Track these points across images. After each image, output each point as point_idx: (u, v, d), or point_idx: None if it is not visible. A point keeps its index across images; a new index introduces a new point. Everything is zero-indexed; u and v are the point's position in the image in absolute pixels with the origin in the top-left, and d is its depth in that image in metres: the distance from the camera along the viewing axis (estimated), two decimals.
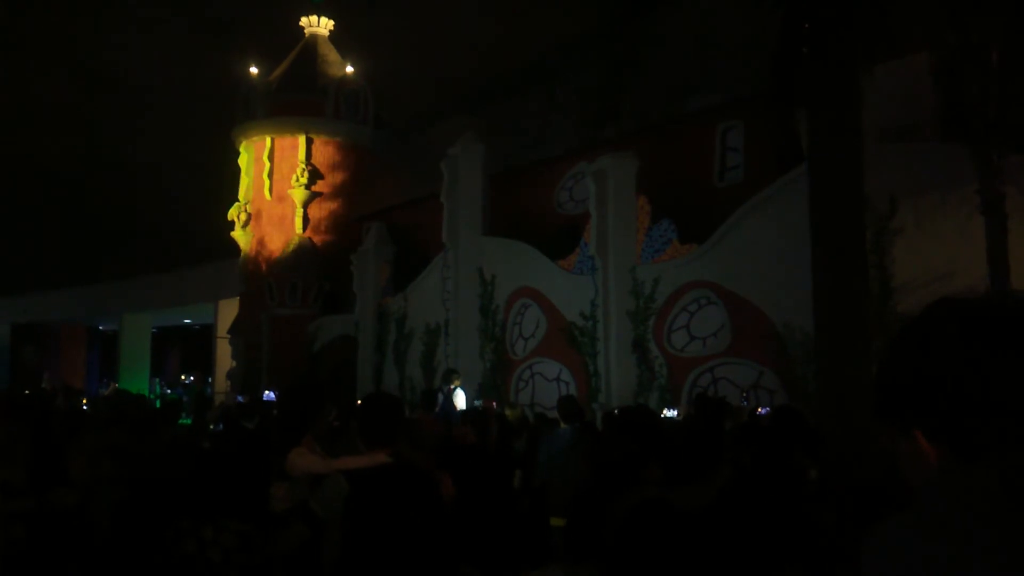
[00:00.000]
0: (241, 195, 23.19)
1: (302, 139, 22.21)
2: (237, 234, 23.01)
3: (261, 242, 22.49)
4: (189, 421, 8.54)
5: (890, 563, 1.15)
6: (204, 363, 29.37)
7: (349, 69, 22.91)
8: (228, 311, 25.93)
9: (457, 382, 12.34)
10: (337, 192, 22.56)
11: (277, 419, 4.48)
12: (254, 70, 22.96)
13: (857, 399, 4.30)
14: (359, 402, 8.87)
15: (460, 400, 12.87)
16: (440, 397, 11.47)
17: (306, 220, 22.24)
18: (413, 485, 1.88)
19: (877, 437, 3.75)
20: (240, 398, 18.34)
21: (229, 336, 24.10)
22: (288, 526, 3.66)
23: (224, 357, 25.43)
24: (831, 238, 4.64)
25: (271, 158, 22.41)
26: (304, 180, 22.02)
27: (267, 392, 16.84)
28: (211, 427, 7.48)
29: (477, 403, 12.70)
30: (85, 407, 9.02)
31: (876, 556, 1.18)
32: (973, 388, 1.14)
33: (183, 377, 25.82)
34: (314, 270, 21.72)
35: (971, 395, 1.15)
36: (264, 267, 22.07)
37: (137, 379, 30.85)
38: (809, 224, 4.75)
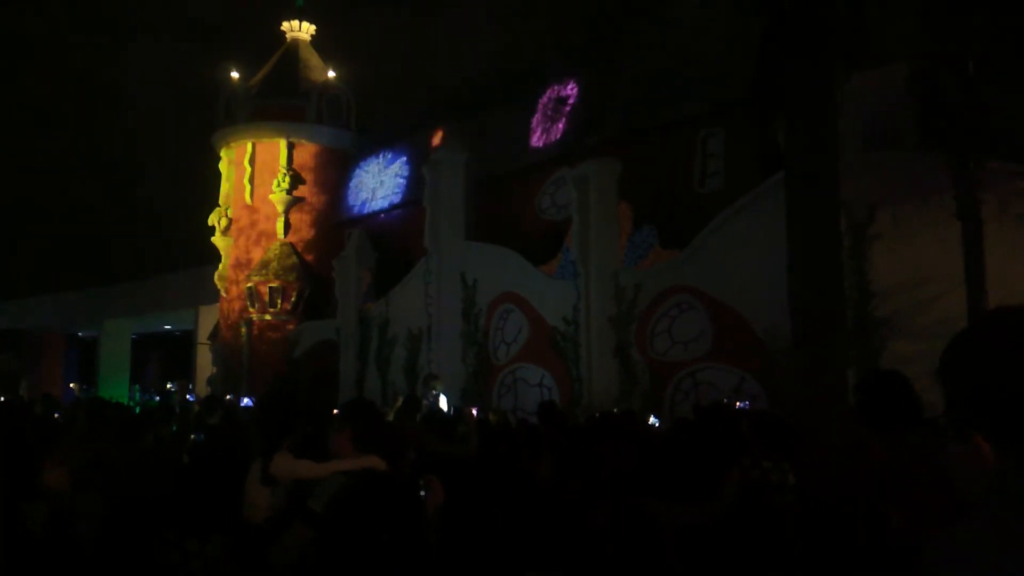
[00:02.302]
0: (221, 200, 23.09)
1: (283, 144, 22.13)
2: (217, 239, 22.89)
3: (242, 247, 22.37)
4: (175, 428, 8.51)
5: (958, 568, 1.15)
6: (185, 370, 29.17)
7: (331, 74, 22.87)
8: (209, 317, 25.78)
9: (438, 387, 12.30)
10: (319, 197, 22.50)
11: (256, 427, 4.46)
12: (235, 74, 22.87)
13: (835, 404, 4.34)
14: (337, 409, 8.81)
15: (443, 405, 12.85)
16: (428, 405, 11.43)
17: (287, 225, 22.15)
18: (393, 496, 1.87)
19: (854, 442, 3.78)
20: (191, 397, 18.17)
21: (209, 342, 23.94)
22: (277, 534, 3.63)
23: (205, 363, 25.27)
24: (808, 245, 4.68)
25: (252, 163, 22.31)
26: (285, 185, 21.94)
27: (245, 399, 16.70)
28: (192, 437, 7.43)
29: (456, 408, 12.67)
30: (56, 416, 8.90)
31: (943, 561, 1.18)
32: None
33: (168, 386, 25.59)
34: (295, 276, 21.64)
35: None
36: (245, 272, 21.95)
37: (117, 386, 30.59)
38: (786, 232, 4.80)
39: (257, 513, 3.98)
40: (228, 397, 16.72)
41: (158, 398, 23.28)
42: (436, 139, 19.36)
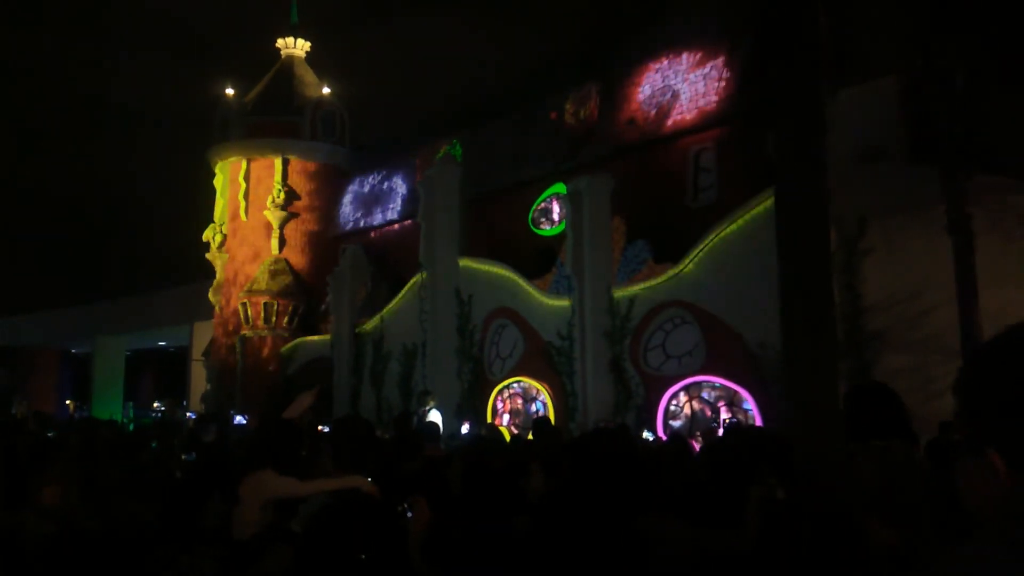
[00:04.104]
0: (216, 216, 23.09)
1: (278, 160, 22.17)
2: (212, 255, 22.88)
3: (236, 263, 22.37)
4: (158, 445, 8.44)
5: None
6: (179, 386, 29.09)
7: (326, 90, 22.96)
8: (203, 333, 25.73)
9: (432, 403, 12.30)
10: (313, 213, 22.53)
11: (247, 449, 4.41)
12: (230, 91, 22.95)
13: (825, 419, 4.34)
14: (328, 427, 8.76)
15: (438, 421, 12.82)
16: (415, 420, 11.41)
17: (282, 241, 22.16)
18: (372, 516, 1.84)
19: (844, 458, 3.79)
20: (192, 414, 18.12)
21: (203, 359, 23.88)
22: (263, 552, 3.62)
23: (199, 380, 25.20)
24: (798, 259, 4.70)
25: (247, 179, 22.34)
26: (280, 201, 21.98)
27: (238, 417, 16.66)
28: (183, 456, 7.40)
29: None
30: (50, 435, 8.85)
31: None
32: None
33: (156, 404, 25.50)
34: (290, 292, 21.63)
35: None
36: (239, 289, 21.94)
37: (111, 403, 30.48)
38: (776, 247, 4.81)
39: (245, 531, 3.97)
40: (232, 412, 16.65)
41: (160, 414, 23.24)
42: (435, 154, 19.42)
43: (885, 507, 3.32)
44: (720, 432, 10.48)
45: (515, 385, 15.11)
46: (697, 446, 9.26)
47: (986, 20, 9.06)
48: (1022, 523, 1.11)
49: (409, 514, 2.85)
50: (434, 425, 9.73)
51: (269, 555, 3.27)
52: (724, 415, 11.74)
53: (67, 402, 29.36)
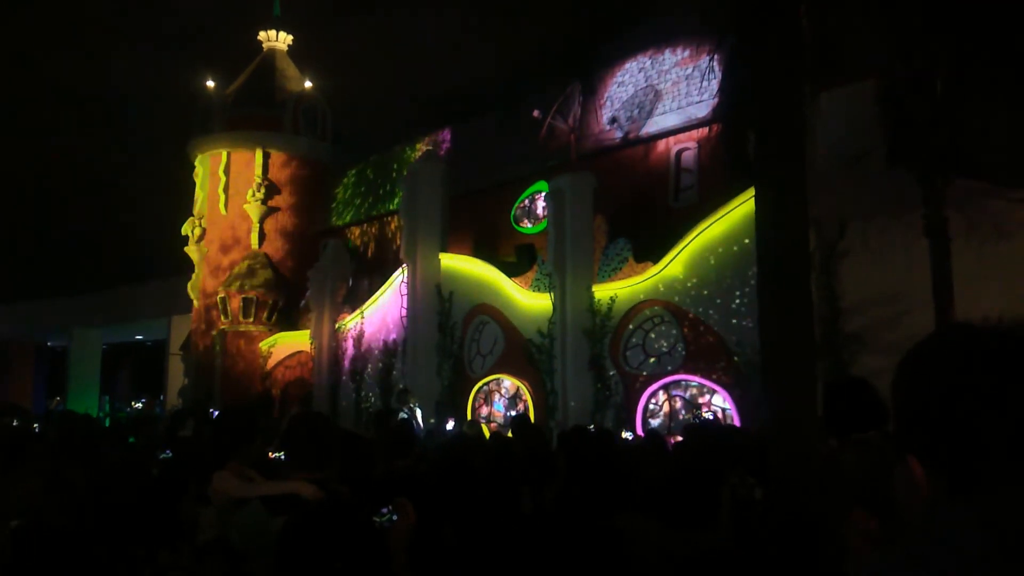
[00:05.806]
0: (196, 209, 22.91)
1: (259, 154, 22.02)
2: (191, 249, 22.71)
3: (215, 257, 22.21)
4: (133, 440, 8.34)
5: None
6: (156, 381, 28.84)
7: (308, 84, 22.82)
8: (182, 327, 25.53)
9: (413, 401, 12.26)
10: (294, 208, 22.41)
11: (209, 443, 4.28)
12: (211, 83, 22.76)
13: (802, 420, 4.39)
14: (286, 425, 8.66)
15: (418, 419, 12.81)
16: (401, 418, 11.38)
17: (262, 235, 22.03)
18: (346, 526, 1.80)
19: (821, 459, 3.83)
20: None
21: (182, 353, 23.70)
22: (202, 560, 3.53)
23: (177, 374, 25.01)
24: (777, 260, 4.74)
25: (227, 172, 22.18)
26: (260, 195, 21.84)
27: (216, 412, 16.55)
28: (160, 455, 7.33)
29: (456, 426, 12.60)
30: (25, 429, 8.74)
31: None
32: (972, 417, 1.09)
33: (133, 403, 25.24)
34: (269, 286, 21.50)
35: (969, 424, 1.09)
36: (218, 283, 21.79)
37: (87, 397, 30.17)
38: (756, 248, 4.86)
39: (203, 533, 3.85)
40: (210, 408, 16.49)
41: (140, 404, 22.97)
42: (417, 151, 19.39)
43: (867, 499, 3.36)
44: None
45: (484, 386, 15.15)
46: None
47: (967, 25, 9.13)
48: (923, 534, 1.09)
49: (394, 517, 2.77)
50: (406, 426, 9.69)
51: (204, 566, 3.17)
52: (705, 413, 11.81)
53: (56, 398, 29.01)
